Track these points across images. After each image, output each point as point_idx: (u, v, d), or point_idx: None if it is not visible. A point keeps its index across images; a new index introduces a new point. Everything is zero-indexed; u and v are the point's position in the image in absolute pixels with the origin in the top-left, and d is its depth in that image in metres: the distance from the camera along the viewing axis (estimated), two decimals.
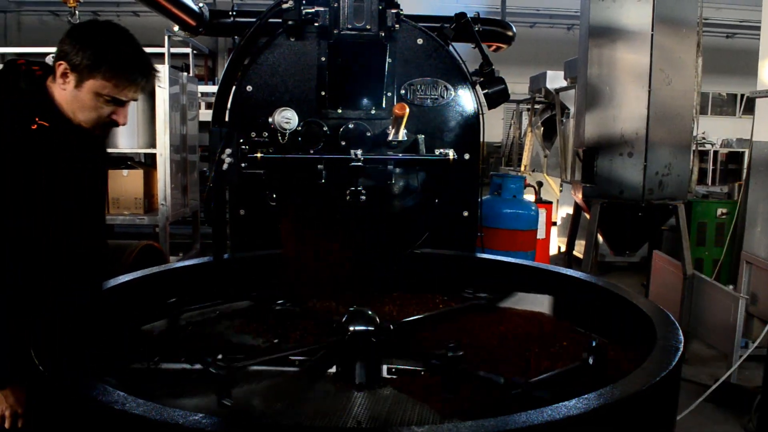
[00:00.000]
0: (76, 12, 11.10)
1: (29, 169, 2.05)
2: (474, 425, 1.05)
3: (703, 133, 15.06)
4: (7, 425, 1.98)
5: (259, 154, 2.54)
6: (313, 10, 2.64)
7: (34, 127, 2.04)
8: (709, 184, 14.02)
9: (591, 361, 1.50)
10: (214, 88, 9.52)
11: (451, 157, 2.67)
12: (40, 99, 2.08)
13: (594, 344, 1.51)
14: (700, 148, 13.37)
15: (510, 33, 3.92)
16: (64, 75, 2.03)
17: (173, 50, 8.46)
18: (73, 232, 2.18)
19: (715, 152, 15.79)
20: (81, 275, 2.17)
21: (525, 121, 13.71)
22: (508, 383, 1.39)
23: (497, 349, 1.84)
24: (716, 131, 16.96)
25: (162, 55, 7.75)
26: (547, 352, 1.79)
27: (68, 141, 2.11)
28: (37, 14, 18.60)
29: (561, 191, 9.37)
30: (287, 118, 2.51)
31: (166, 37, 8.23)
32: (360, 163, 2.55)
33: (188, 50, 10.10)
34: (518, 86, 15.41)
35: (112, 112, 2.08)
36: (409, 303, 2.25)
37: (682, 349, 1.39)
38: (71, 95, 2.05)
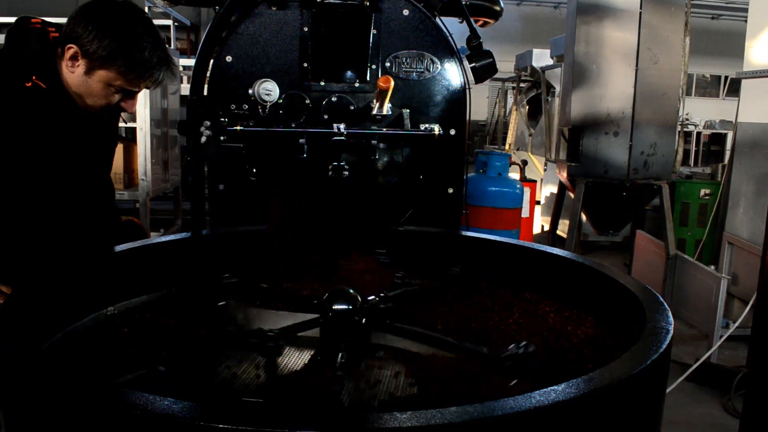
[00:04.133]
0: None
1: (15, 129, 1.96)
2: (460, 411, 1.00)
3: (687, 115, 15.12)
4: None
5: (238, 127, 2.46)
6: None
7: (29, 84, 1.94)
8: (692, 165, 14.14)
9: None
10: None
11: (436, 132, 2.61)
12: (44, 60, 1.97)
13: None
14: (683, 129, 13.45)
15: (497, 8, 3.83)
16: (74, 58, 1.92)
17: (154, 22, 8.31)
18: (72, 193, 2.12)
19: (698, 133, 15.90)
20: (85, 237, 2.11)
21: (510, 100, 13.66)
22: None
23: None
24: (700, 112, 17.05)
25: None
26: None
27: (66, 105, 2.01)
28: None
29: (545, 170, 9.38)
30: (268, 90, 2.43)
31: (146, 8, 8.05)
32: (343, 138, 2.48)
33: (169, 22, 9.92)
34: (504, 64, 15.30)
35: (121, 100, 1.99)
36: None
37: (672, 331, 1.35)
38: (79, 80, 1.94)
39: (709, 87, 22.98)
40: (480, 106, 19.31)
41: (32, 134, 1.98)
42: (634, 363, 1.19)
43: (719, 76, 22.41)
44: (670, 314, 1.45)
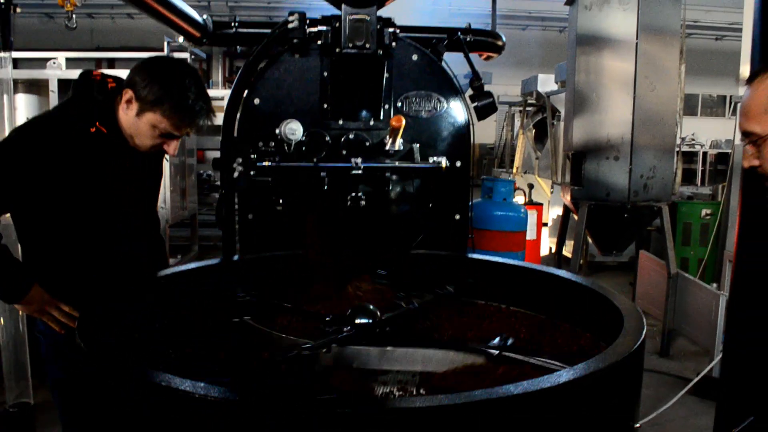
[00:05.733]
0: (73, 16, 11.09)
1: (82, 167, 2.26)
2: (455, 396, 1.26)
3: (693, 135, 15.27)
4: (71, 323, 2.21)
5: (266, 163, 2.75)
6: (316, 30, 2.86)
7: (93, 130, 2.25)
8: (699, 184, 14.20)
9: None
10: (210, 92, 9.73)
11: (443, 164, 2.89)
12: (105, 108, 2.28)
13: None
14: (689, 149, 13.58)
15: (500, 43, 4.11)
16: (129, 102, 2.22)
17: (173, 55, 8.64)
18: (127, 225, 2.40)
19: (705, 153, 15.96)
20: (137, 263, 2.39)
21: (517, 124, 13.89)
22: None
23: None
24: (706, 132, 17.15)
25: None
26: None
27: (124, 148, 2.31)
28: (32, 17, 18.66)
29: (552, 193, 9.58)
30: (293, 130, 2.72)
31: (165, 44, 8.43)
32: (360, 171, 2.76)
33: (186, 55, 10.28)
34: (511, 88, 15.61)
35: (164, 143, 2.28)
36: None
37: (644, 335, 1.61)
38: (131, 121, 2.24)
39: (715, 106, 23.10)
40: (488, 129, 19.56)
41: (96, 172, 2.28)
42: (607, 360, 1.45)
43: (724, 96, 22.54)
44: (644, 321, 1.71)
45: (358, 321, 1.96)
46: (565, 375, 1.33)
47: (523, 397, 1.26)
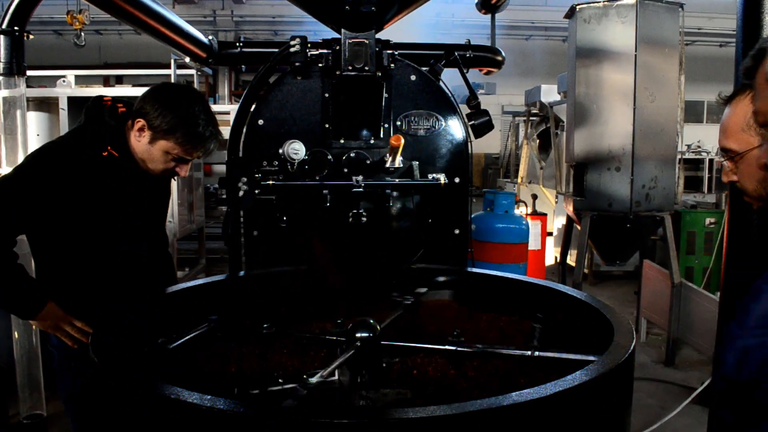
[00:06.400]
0: (82, 33, 11.16)
1: (95, 190, 2.36)
2: (446, 408, 1.33)
3: (698, 142, 15.26)
4: (84, 338, 2.29)
5: (270, 182, 2.84)
6: (317, 53, 2.96)
7: (105, 153, 2.35)
8: (705, 191, 14.16)
9: None
10: (215, 107, 9.87)
11: (442, 181, 2.97)
12: (116, 133, 2.38)
13: None
14: (695, 156, 13.57)
15: (499, 58, 4.19)
16: (141, 130, 2.33)
17: (180, 73, 8.77)
18: (137, 244, 2.49)
19: (710, 160, 15.92)
20: (147, 280, 2.48)
21: (522, 133, 13.93)
22: None
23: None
24: (711, 139, 17.08)
25: (168, 76, 8.11)
26: None
27: (134, 170, 2.41)
28: (40, 34, 18.88)
29: (556, 202, 9.62)
30: (296, 150, 2.81)
31: (172, 60, 8.57)
32: (361, 188, 2.85)
33: (193, 72, 10.42)
34: (515, 98, 15.67)
35: (176, 166, 2.38)
36: None
37: (632, 347, 1.67)
38: (144, 147, 2.35)
39: (720, 113, 22.95)
40: (493, 139, 19.64)
41: (108, 194, 2.38)
42: (595, 370, 1.51)
43: None
44: (633, 334, 1.77)
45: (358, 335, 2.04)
46: (552, 387, 1.40)
47: (512, 408, 1.33)
